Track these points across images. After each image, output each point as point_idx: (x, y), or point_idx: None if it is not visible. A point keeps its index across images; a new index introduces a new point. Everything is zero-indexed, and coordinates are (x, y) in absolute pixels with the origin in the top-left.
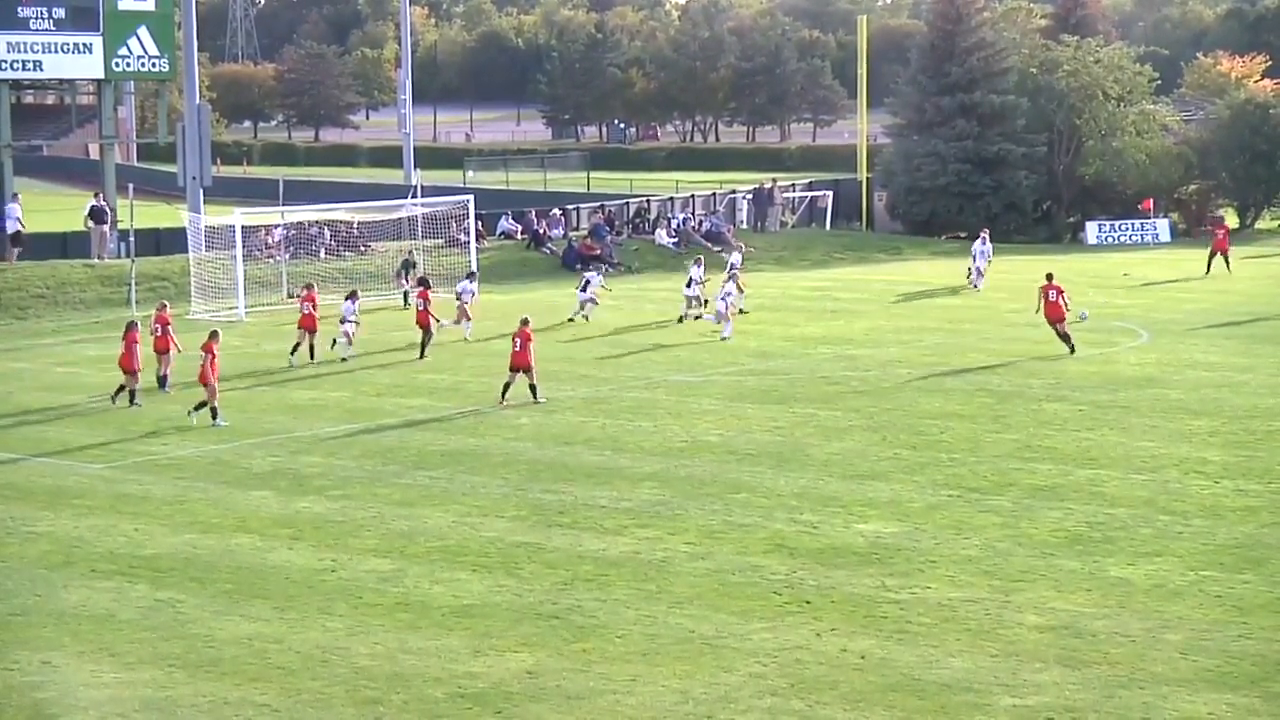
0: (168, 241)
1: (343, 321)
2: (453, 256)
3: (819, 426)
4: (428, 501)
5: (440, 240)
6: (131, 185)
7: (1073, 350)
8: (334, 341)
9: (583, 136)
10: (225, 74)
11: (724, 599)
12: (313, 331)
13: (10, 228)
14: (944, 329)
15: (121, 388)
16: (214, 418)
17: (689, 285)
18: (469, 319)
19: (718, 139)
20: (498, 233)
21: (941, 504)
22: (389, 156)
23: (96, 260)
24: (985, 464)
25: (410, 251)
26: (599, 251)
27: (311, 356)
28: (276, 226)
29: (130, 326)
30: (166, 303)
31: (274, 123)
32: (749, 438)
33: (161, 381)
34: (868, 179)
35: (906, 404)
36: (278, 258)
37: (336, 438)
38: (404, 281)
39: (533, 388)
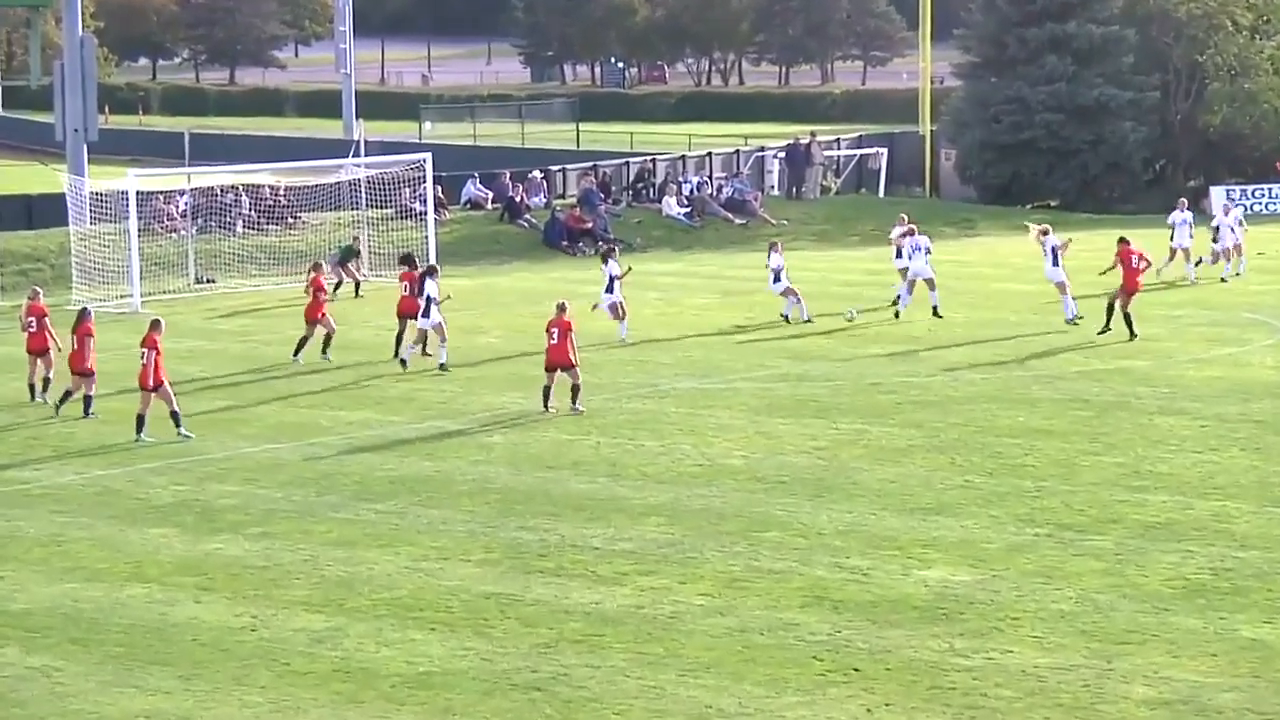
0: (42, 211)
1: (425, 313)
2: (405, 231)
3: (869, 446)
4: (373, 541)
5: (389, 210)
6: None
7: (1133, 336)
8: (415, 347)
9: (570, 79)
10: None
11: (749, 665)
12: (314, 323)
13: None
14: (1028, 324)
15: (69, 393)
16: (140, 430)
17: (777, 279)
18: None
19: (741, 81)
20: (463, 201)
21: (1026, 545)
22: (324, 104)
23: None
24: (1081, 494)
25: (355, 238)
26: (590, 225)
27: (324, 351)
28: (181, 192)
29: (83, 315)
30: (40, 289)
31: (178, 61)
32: (781, 461)
33: (33, 390)
34: (931, 132)
35: (981, 418)
36: (182, 232)
37: (258, 461)
38: (344, 272)
39: (575, 389)
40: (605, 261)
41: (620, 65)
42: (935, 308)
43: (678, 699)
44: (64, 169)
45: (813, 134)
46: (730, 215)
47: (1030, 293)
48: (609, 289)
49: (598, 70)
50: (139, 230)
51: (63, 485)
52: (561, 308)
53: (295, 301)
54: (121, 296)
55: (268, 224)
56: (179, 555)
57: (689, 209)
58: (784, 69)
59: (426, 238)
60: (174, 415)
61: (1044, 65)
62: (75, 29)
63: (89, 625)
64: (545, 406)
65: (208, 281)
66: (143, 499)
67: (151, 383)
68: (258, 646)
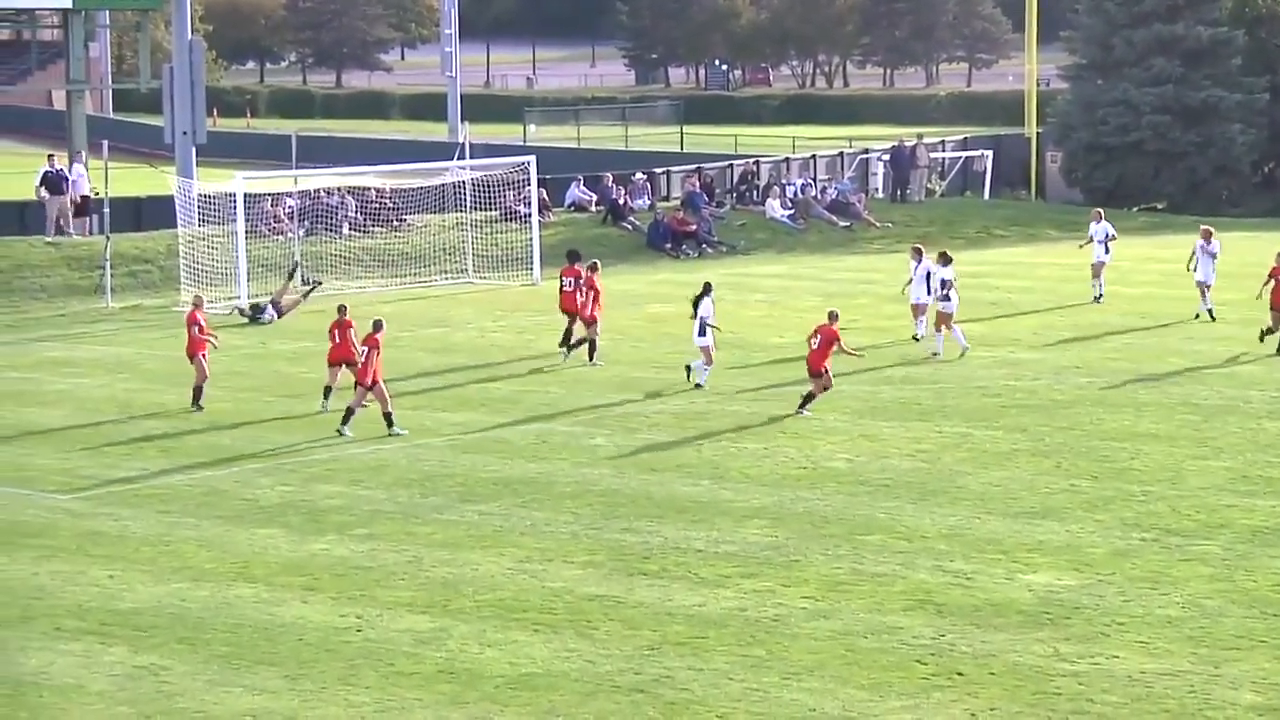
0: (151, 213)
1: (700, 332)
2: (509, 234)
3: (974, 450)
4: (477, 543)
5: (494, 213)
6: (106, 143)
7: None
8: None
9: (674, 81)
10: (224, 2)
11: (852, 669)
12: (576, 316)
13: (80, 188)
14: (1135, 327)
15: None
16: (345, 424)
17: (943, 287)
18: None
19: (845, 84)
20: (566, 203)
21: (1132, 550)
22: (429, 106)
23: (61, 237)
24: (1189, 499)
25: (294, 260)
26: (694, 227)
27: (589, 355)
28: (288, 195)
29: (341, 312)
30: (202, 296)
31: (285, 64)
32: (884, 464)
33: (197, 396)
34: (1037, 135)
35: (1086, 422)
36: (289, 234)
37: (363, 462)
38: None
39: (811, 396)
40: (700, 301)
41: (724, 67)
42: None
43: (781, 702)
44: (173, 171)
45: (918, 137)
46: (834, 218)
47: (1136, 295)
48: (701, 331)
49: (702, 72)
50: (246, 232)
51: (170, 485)
52: (832, 316)
53: (396, 301)
54: (229, 298)
55: (373, 226)
56: (285, 556)
57: (793, 211)
58: (889, 71)
59: (530, 240)
60: (387, 416)
61: (1151, 67)
62: (184, 33)
63: (196, 625)
64: (802, 408)
65: (314, 283)
66: (249, 500)
67: (369, 380)
68: (363, 647)
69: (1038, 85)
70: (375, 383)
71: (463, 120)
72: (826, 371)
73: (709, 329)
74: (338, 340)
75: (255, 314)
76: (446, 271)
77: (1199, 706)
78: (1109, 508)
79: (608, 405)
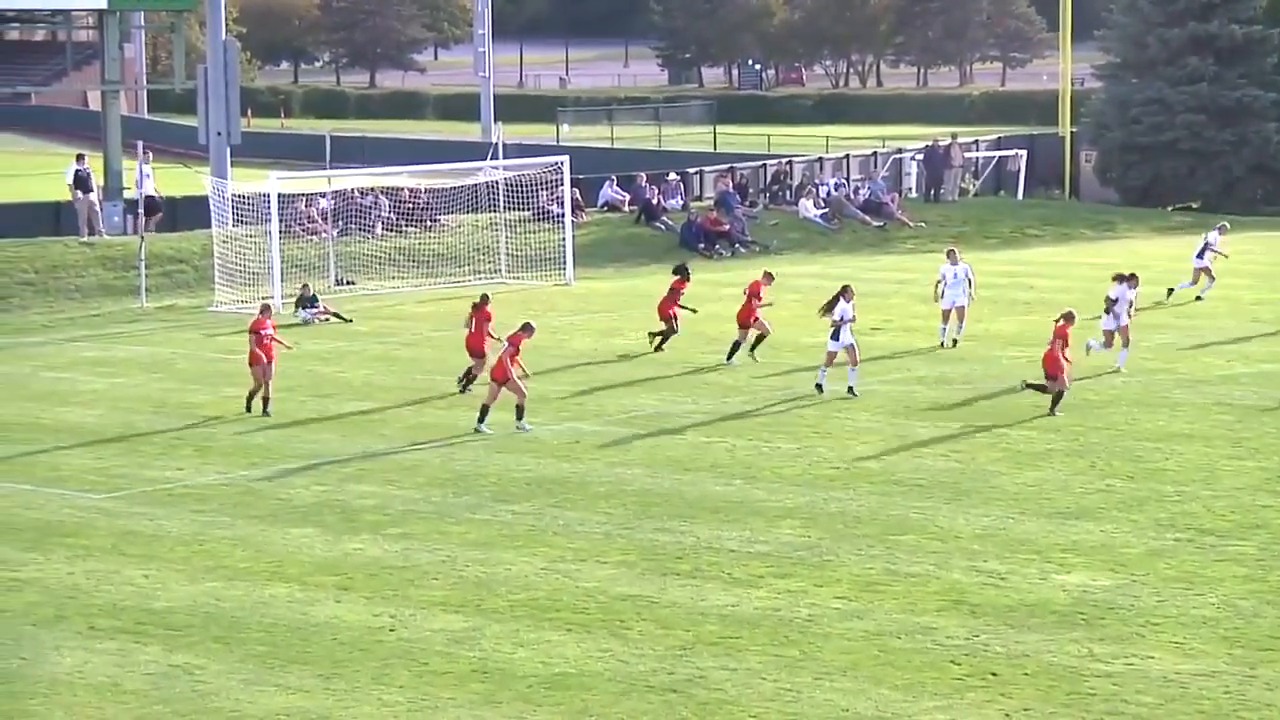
0: (186, 213)
1: (835, 335)
2: (542, 233)
3: (1008, 450)
4: (510, 543)
5: (527, 212)
6: (141, 143)
7: None
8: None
9: (707, 81)
10: (258, 3)
11: (886, 669)
12: (746, 327)
13: (145, 189)
14: (1170, 326)
15: (470, 373)
16: (482, 420)
17: (1115, 309)
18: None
19: (879, 83)
20: (600, 203)
21: (1167, 550)
22: (462, 106)
23: (95, 238)
24: (1223, 499)
25: (305, 285)
26: (727, 227)
27: (750, 351)
28: (322, 195)
29: (483, 301)
30: (269, 304)
31: (319, 64)
32: (918, 464)
33: (265, 402)
34: (1072, 134)
35: (1121, 422)
36: (323, 234)
37: (397, 462)
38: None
39: (1058, 395)
40: (835, 302)
41: (757, 67)
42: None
43: (814, 702)
44: (207, 172)
45: (952, 136)
46: (867, 218)
47: (1158, 294)
48: (836, 335)
49: (735, 72)
50: (280, 232)
51: (205, 485)
52: (1069, 316)
53: (430, 301)
54: (263, 298)
55: (407, 226)
56: (319, 555)
57: (826, 211)
58: (922, 71)
59: (563, 240)
60: (519, 408)
61: (1185, 66)
62: (218, 33)
63: (230, 624)
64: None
65: (348, 283)
66: (284, 499)
67: (501, 375)
68: (396, 646)
69: (1072, 84)
70: (507, 379)
71: (496, 120)
72: (1063, 372)
73: (842, 329)
74: (473, 329)
75: (309, 304)
76: (480, 271)
77: (1234, 707)
78: (1143, 508)
79: (640, 405)
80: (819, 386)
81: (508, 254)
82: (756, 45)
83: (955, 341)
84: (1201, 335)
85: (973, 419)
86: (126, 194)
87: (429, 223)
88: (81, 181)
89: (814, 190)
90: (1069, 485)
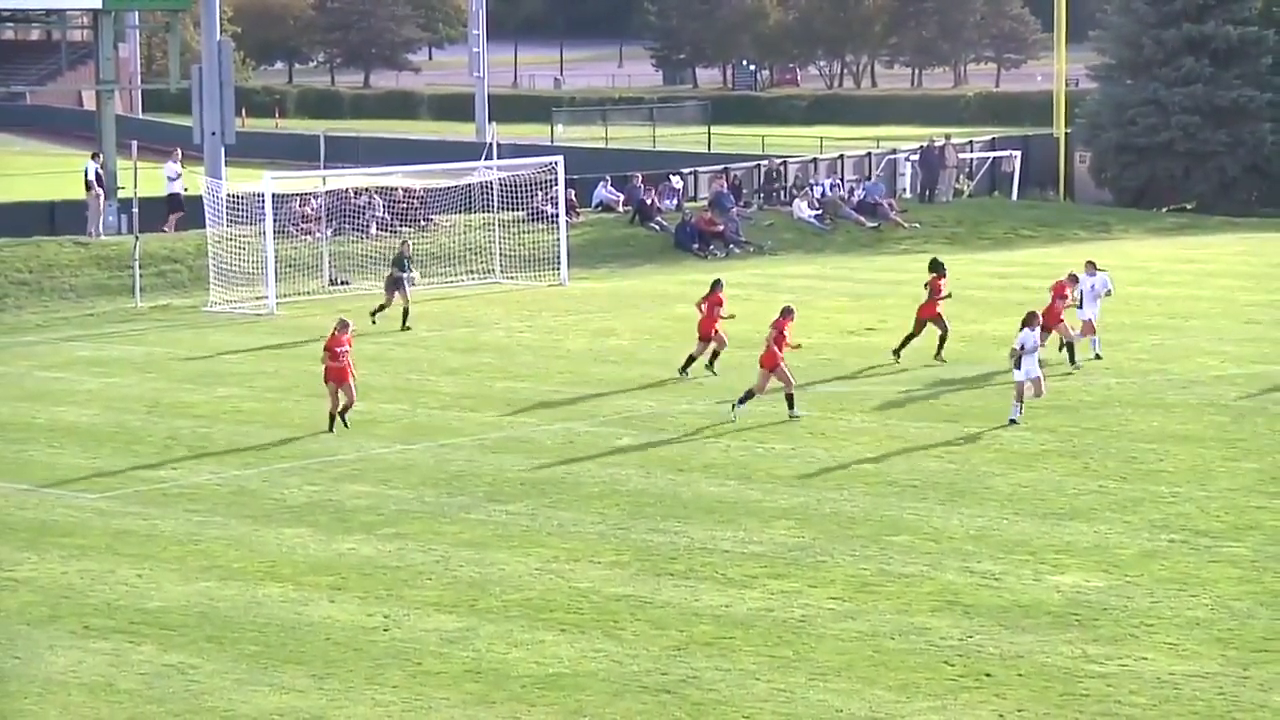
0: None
1: (1017, 365)
2: (536, 234)
3: (1002, 450)
4: (504, 543)
5: (521, 213)
6: (135, 143)
7: None
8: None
9: (701, 81)
10: (253, 3)
11: (879, 670)
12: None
13: (171, 188)
14: (1164, 327)
15: (692, 357)
16: (743, 403)
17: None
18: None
19: (874, 84)
20: (594, 203)
21: (1160, 551)
22: (457, 107)
23: (90, 237)
24: (1217, 500)
25: (405, 243)
26: (721, 228)
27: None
28: (316, 195)
29: (715, 286)
30: (349, 320)
31: (313, 64)
32: (912, 464)
33: (341, 416)
34: (1066, 135)
35: (1115, 423)
36: (317, 234)
37: (390, 461)
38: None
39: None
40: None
41: (752, 68)
42: None
43: (808, 703)
44: (201, 171)
45: (946, 137)
46: (862, 218)
47: (1165, 296)
48: (1018, 365)
49: (729, 73)
50: (274, 232)
51: (199, 485)
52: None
53: (423, 301)
54: (257, 298)
55: (401, 226)
56: (313, 555)
57: (820, 212)
58: (916, 71)
59: (558, 240)
60: (789, 397)
61: (1180, 67)
62: (213, 33)
63: (224, 623)
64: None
65: (342, 283)
66: (277, 499)
67: (771, 363)
68: (390, 646)
69: (1066, 85)
70: (776, 366)
71: (490, 120)
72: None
73: (1025, 359)
74: (704, 313)
75: (403, 269)
76: (474, 271)
77: (1228, 709)
78: (1137, 509)
79: (635, 405)
80: (1013, 421)
81: (501, 254)
82: (751, 46)
83: (1098, 355)
84: (1195, 336)
85: (966, 420)
86: (122, 193)
87: (423, 223)
88: (97, 180)
89: (808, 191)
90: (1063, 486)
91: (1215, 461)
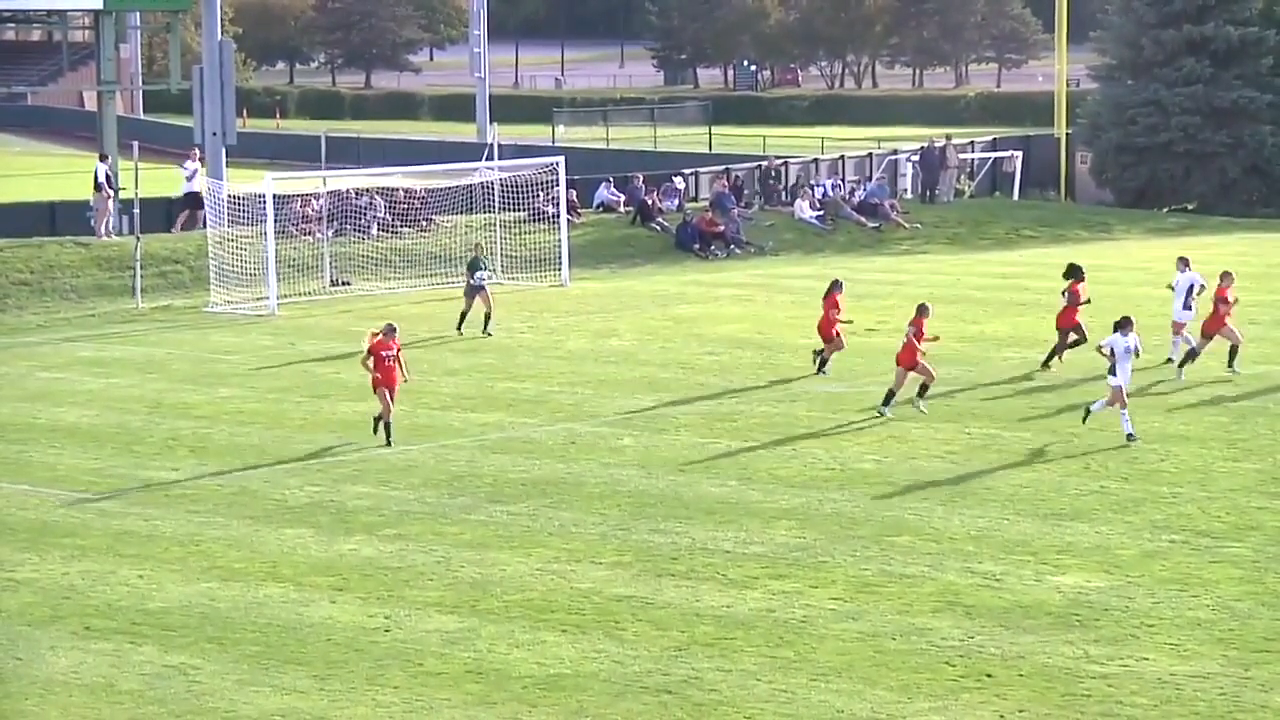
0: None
1: (1112, 370)
2: (538, 234)
3: (1003, 451)
4: (505, 543)
5: (522, 213)
6: (136, 143)
7: None
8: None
9: (702, 82)
10: (253, 4)
11: (881, 670)
12: (829, 341)
13: (189, 186)
14: (1164, 328)
15: (823, 355)
16: (887, 404)
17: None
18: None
19: (875, 84)
20: (595, 204)
21: (1161, 551)
22: (458, 107)
23: (91, 238)
24: (1218, 501)
25: (478, 245)
26: (722, 228)
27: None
28: (317, 195)
29: (833, 286)
30: (394, 325)
31: (314, 65)
32: (913, 465)
33: (377, 424)
34: (1067, 135)
35: (1116, 423)
36: (318, 234)
37: (391, 462)
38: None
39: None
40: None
41: (753, 68)
42: None
43: (809, 703)
44: (203, 172)
45: (947, 137)
46: (863, 219)
47: (1166, 296)
48: (1113, 371)
49: (730, 73)
50: (275, 233)
51: (200, 485)
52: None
53: (424, 302)
54: (258, 299)
55: (402, 227)
56: (314, 556)
57: (821, 212)
58: (918, 72)
59: (559, 241)
60: (922, 386)
61: (1181, 67)
62: (214, 34)
63: (225, 624)
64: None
65: (343, 284)
66: (278, 500)
67: (909, 361)
68: (391, 647)
69: (1067, 86)
70: (915, 364)
71: (491, 121)
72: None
73: (1119, 365)
74: (822, 314)
75: (478, 268)
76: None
77: (1229, 709)
78: (1138, 509)
79: (636, 406)
80: (1130, 436)
81: (503, 255)
82: (752, 46)
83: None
84: (1195, 336)
85: (967, 420)
86: (123, 194)
87: (424, 223)
88: (107, 181)
89: (809, 191)
90: (1064, 486)
91: (1216, 462)
